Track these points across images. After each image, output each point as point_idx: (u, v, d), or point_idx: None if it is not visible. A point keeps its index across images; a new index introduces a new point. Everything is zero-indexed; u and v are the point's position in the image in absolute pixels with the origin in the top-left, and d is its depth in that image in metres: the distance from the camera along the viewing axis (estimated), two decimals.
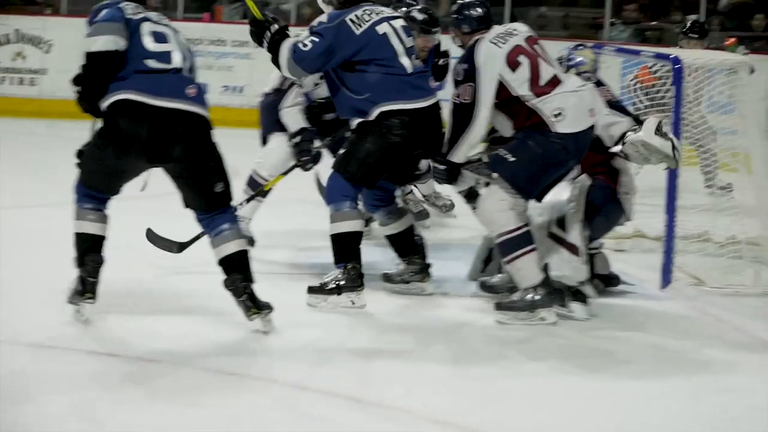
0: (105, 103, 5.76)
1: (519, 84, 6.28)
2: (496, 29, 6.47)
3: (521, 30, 6.48)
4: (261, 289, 5.96)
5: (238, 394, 5.15)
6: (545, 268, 6.40)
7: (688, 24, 9.84)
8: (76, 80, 5.85)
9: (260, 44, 6.46)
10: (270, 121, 7.76)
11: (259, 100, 7.96)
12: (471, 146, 6.41)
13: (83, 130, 6.14)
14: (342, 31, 6.36)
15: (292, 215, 8.70)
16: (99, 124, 5.86)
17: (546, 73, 6.34)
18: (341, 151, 6.53)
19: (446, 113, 6.50)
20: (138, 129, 5.70)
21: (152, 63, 5.79)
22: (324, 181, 6.86)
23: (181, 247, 6.91)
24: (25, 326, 5.85)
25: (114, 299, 6.17)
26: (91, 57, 5.78)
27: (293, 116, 7.61)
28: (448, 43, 7.11)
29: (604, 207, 6.71)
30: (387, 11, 6.56)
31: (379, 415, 5.02)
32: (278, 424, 4.87)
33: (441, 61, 7.94)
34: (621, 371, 5.74)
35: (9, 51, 13.65)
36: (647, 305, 6.82)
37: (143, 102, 5.70)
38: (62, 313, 5.94)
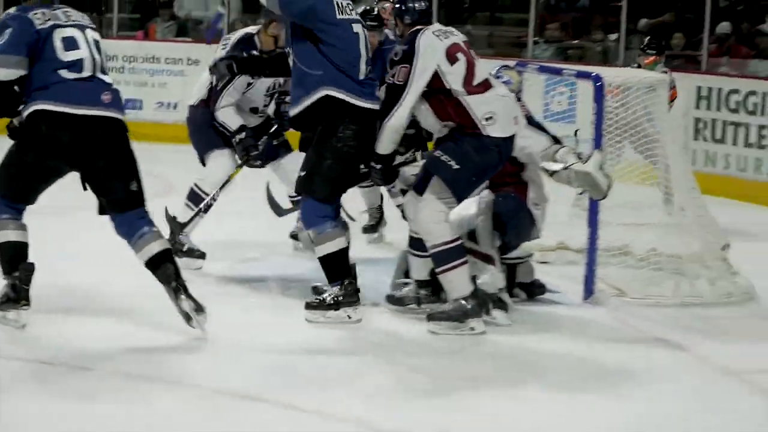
0: (25, 113, 5.84)
1: (454, 78, 6.27)
2: (437, 25, 6.49)
3: (460, 34, 6.50)
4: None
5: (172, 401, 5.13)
6: (473, 279, 6.40)
7: (646, 40, 9.86)
8: None
9: None
10: (202, 134, 7.62)
11: (187, 116, 7.82)
12: (394, 132, 6.31)
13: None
14: (328, 2, 6.35)
15: (228, 226, 8.61)
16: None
17: (480, 75, 6.35)
18: (301, 174, 6.44)
19: None
20: (59, 134, 5.78)
21: (66, 73, 5.84)
22: (273, 192, 7.03)
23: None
24: None
25: (46, 305, 6.17)
26: None
27: (230, 115, 7.48)
28: None
29: (514, 218, 6.70)
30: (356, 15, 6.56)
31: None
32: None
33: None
34: (545, 379, 5.74)
35: None
36: (571, 315, 6.83)
37: (62, 111, 5.77)
38: None
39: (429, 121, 6.39)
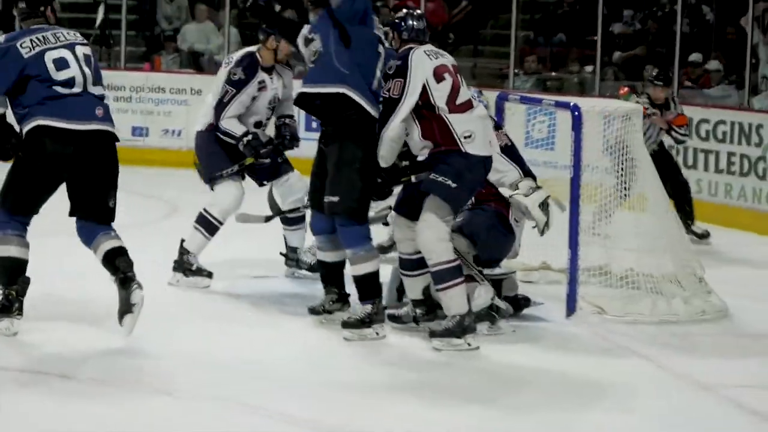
0: (25, 129, 5.94)
1: (439, 96, 6.23)
2: (430, 46, 6.44)
3: (450, 57, 6.46)
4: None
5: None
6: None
7: (654, 73, 9.79)
8: None
9: None
10: (210, 159, 7.49)
11: (195, 142, 7.68)
12: (392, 141, 6.23)
13: None
14: (372, 15, 6.44)
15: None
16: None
17: (463, 96, 6.30)
18: (333, 198, 6.28)
19: None
20: (61, 148, 5.89)
21: (60, 89, 5.93)
22: (277, 196, 7.22)
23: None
24: None
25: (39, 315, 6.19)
26: None
27: (234, 123, 7.39)
28: None
29: (482, 232, 6.62)
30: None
31: None
32: None
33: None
34: (527, 393, 5.69)
35: None
36: (554, 331, 6.73)
37: (62, 127, 5.88)
38: None
39: (413, 137, 6.29)
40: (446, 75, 6.29)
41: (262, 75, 7.49)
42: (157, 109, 13.24)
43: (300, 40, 6.64)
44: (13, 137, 6.00)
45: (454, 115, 6.22)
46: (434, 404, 5.40)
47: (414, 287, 6.48)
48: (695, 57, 12.30)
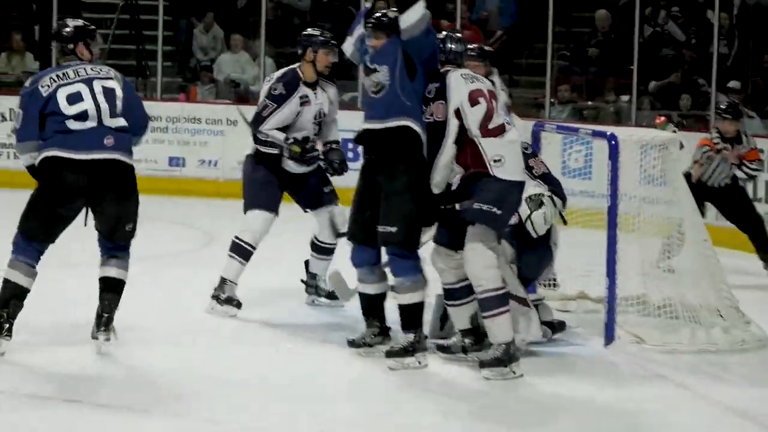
0: (37, 161, 6.13)
1: (473, 120, 6.21)
2: (467, 69, 6.44)
3: (487, 82, 6.44)
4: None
5: None
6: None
7: (723, 106, 9.64)
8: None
9: None
10: (250, 185, 7.47)
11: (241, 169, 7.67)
12: (445, 167, 6.22)
13: None
14: (435, 54, 6.35)
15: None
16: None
17: (496, 121, 6.27)
18: (391, 229, 6.23)
19: None
20: (76, 179, 6.06)
21: (71, 124, 6.10)
22: (337, 221, 7.37)
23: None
24: None
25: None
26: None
27: (274, 132, 7.31)
28: None
29: (537, 248, 6.66)
30: None
31: None
32: None
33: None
34: (567, 421, 5.68)
35: (5, 127, 13.32)
36: (592, 360, 6.72)
37: (68, 157, 6.04)
38: None
39: None
40: (481, 99, 6.27)
41: (304, 90, 7.40)
42: (194, 139, 13.29)
43: (347, 49, 6.60)
44: None
45: (486, 140, 6.22)
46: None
47: (461, 317, 6.47)
48: (734, 84, 12.23)
